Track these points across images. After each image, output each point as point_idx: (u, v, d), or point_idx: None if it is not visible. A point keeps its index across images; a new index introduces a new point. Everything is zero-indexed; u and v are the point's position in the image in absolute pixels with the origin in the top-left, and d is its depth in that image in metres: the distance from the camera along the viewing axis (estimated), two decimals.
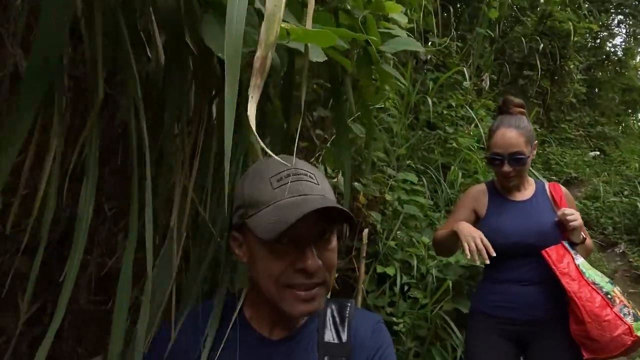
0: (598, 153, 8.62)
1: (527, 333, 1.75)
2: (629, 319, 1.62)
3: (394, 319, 2.39)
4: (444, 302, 2.47)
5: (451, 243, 1.80)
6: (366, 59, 1.39)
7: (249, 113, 0.48)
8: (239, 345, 0.82)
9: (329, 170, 2.51)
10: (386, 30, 1.53)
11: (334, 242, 0.79)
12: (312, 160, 2.09)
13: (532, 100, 8.16)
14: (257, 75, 0.47)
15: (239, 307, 0.86)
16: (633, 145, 9.01)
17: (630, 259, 4.75)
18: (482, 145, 5.02)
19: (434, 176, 3.95)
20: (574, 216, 1.68)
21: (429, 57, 5.31)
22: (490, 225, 1.77)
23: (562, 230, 1.74)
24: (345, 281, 2.65)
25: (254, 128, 0.50)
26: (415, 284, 2.59)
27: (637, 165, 7.04)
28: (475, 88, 6.57)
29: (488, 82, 6.94)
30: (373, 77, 1.58)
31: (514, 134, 1.74)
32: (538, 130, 8.29)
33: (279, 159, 0.70)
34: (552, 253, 1.69)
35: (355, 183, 2.77)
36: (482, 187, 1.95)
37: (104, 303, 1.70)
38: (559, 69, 8.41)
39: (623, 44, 10.96)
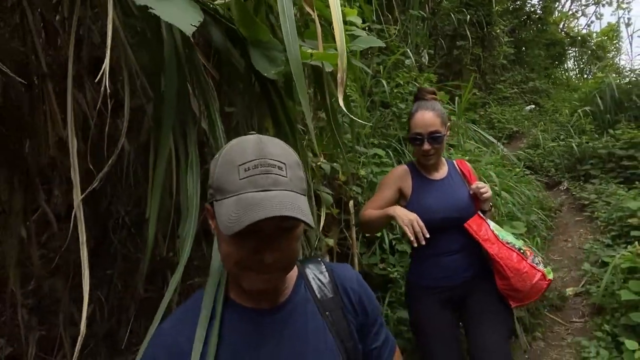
0: (533, 106, 9.42)
1: (462, 293, 1.97)
2: (541, 267, 1.89)
3: (389, 269, 2.82)
4: None
5: (381, 224, 1.98)
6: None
7: (340, 103, 0.88)
8: (234, 325, 0.86)
9: (311, 154, 2.88)
10: (349, 32, 1.94)
11: (297, 232, 0.81)
12: (304, 145, 2.48)
13: (467, 67, 8.84)
14: (340, 84, 0.87)
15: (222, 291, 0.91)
16: (563, 94, 9.91)
17: (574, 193, 5.42)
18: None
19: (397, 148, 4.42)
20: (485, 188, 1.93)
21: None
22: (419, 204, 1.93)
23: (475, 202, 1.97)
24: (341, 248, 3.06)
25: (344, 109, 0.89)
26: (400, 239, 3.04)
27: (567, 111, 7.83)
28: (417, 64, 7.13)
29: (427, 57, 7.51)
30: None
31: (431, 115, 1.94)
32: (477, 93, 9.02)
33: (254, 142, 0.77)
34: (472, 224, 1.91)
35: (334, 164, 3.18)
36: (405, 167, 2.10)
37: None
38: (487, 35, 9.12)
39: (541, 2, 11.83)
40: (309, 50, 1.10)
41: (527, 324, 3.13)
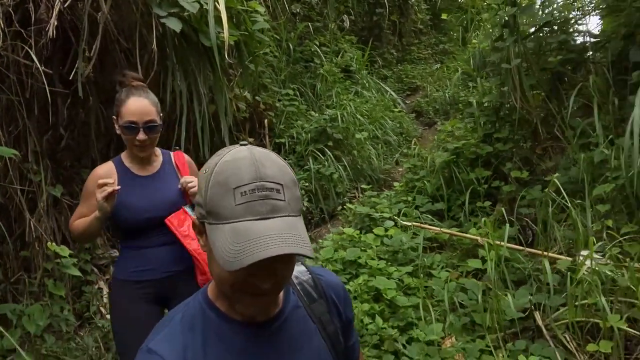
0: (440, 65, 11.46)
1: (165, 290, 1.88)
2: None
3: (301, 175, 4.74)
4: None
5: (94, 229, 1.80)
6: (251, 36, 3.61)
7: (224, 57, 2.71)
8: (226, 340, 0.84)
9: (238, 90, 4.67)
10: (253, 19, 3.75)
11: (294, 258, 0.80)
12: (231, 84, 4.27)
13: (386, 31, 10.70)
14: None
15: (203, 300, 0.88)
16: (464, 55, 12.00)
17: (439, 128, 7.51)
18: (343, 68, 7.49)
19: (308, 92, 6.26)
20: (193, 183, 1.83)
21: (298, 10, 7.47)
22: (122, 204, 1.78)
23: (186, 196, 1.88)
24: None
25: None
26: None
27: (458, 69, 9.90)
28: (341, 29, 8.91)
29: (348, 22, 9.29)
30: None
31: (147, 103, 1.80)
32: (394, 53, 10.97)
33: (249, 161, 0.75)
34: (173, 220, 1.83)
35: (257, 97, 5.00)
36: (109, 165, 1.90)
37: None
38: (403, 3, 10.97)
39: None
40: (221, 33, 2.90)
41: None
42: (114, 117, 1.83)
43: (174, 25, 2.82)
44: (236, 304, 0.80)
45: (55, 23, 2.33)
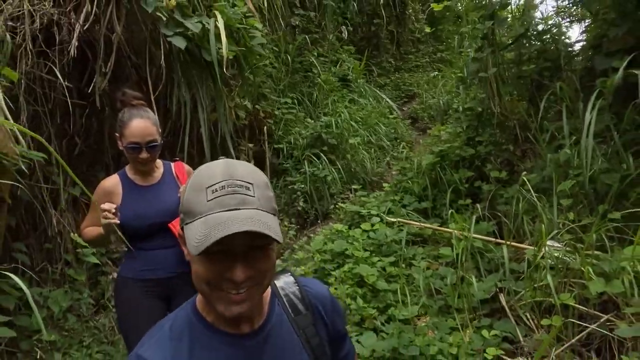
0: (437, 73, 11.79)
1: (169, 288, 2.04)
2: None
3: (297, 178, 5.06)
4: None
5: (102, 240, 2.02)
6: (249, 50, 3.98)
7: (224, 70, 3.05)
8: (211, 350, 0.85)
9: (238, 100, 5.02)
10: (252, 35, 4.11)
11: (268, 251, 0.80)
12: (232, 94, 4.63)
13: (384, 40, 11.08)
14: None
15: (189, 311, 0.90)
16: (460, 64, 12.33)
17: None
18: (340, 77, 7.85)
19: (306, 101, 6.61)
20: None
21: (297, 23, 7.86)
22: (127, 213, 1.95)
23: None
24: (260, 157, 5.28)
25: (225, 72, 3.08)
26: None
27: (453, 77, 10.23)
28: (339, 40, 9.29)
29: (346, 33, 9.67)
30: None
31: (148, 124, 1.95)
32: (392, 62, 11.33)
33: (222, 165, 0.79)
34: (176, 224, 1.97)
35: (256, 106, 5.35)
36: (115, 178, 2.07)
37: None
38: (400, 14, 11.35)
39: None
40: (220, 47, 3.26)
41: None
42: (117, 135, 2.00)
43: (179, 43, 3.18)
44: (217, 305, 0.81)
45: (76, 44, 2.68)
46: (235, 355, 0.86)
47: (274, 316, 0.93)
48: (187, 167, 2.21)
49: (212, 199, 0.77)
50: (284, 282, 1.00)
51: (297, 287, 0.99)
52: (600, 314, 2.43)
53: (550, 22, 4.85)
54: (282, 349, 0.91)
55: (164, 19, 3.18)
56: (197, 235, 0.75)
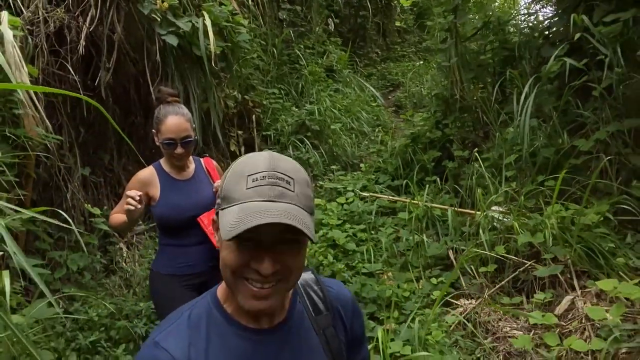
0: (422, 62, 12.25)
1: (206, 280, 2.12)
2: None
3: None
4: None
5: (128, 225, 2.03)
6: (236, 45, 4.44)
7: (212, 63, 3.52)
8: (228, 342, 0.84)
9: (228, 90, 5.48)
10: (238, 31, 4.58)
11: (299, 247, 0.80)
12: (222, 85, 5.09)
13: (370, 31, 11.52)
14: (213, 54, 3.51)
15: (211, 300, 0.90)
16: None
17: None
18: (327, 68, 8.31)
19: (292, 91, 7.07)
20: None
21: (284, 17, 8.29)
22: (167, 205, 2.04)
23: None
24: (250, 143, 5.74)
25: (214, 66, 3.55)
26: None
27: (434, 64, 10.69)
28: (326, 32, 9.72)
29: (333, 25, 10.10)
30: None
31: (182, 120, 2.01)
32: (379, 52, 11.78)
33: (266, 157, 0.79)
34: (204, 219, 2.05)
35: (245, 96, 5.81)
36: (151, 170, 2.12)
37: None
38: (384, 6, 11.78)
39: None
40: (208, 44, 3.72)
41: None
42: (154, 131, 2.08)
43: (172, 40, 3.64)
44: (239, 296, 0.80)
45: (84, 43, 3.14)
46: (252, 350, 0.85)
47: (295, 314, 0.92)
48: (214, 162, 2.30)
49: (251, 187, 0.77)
50: (307, 280, 0.99)
51: (319, 287, 0.98)
52: (526, 261, 2.94)
53: (512, 12, 5.32)
54: (300, 349, 0.90)
55: (158, 19, 3.62)
56: (232, 220, 0.74)
